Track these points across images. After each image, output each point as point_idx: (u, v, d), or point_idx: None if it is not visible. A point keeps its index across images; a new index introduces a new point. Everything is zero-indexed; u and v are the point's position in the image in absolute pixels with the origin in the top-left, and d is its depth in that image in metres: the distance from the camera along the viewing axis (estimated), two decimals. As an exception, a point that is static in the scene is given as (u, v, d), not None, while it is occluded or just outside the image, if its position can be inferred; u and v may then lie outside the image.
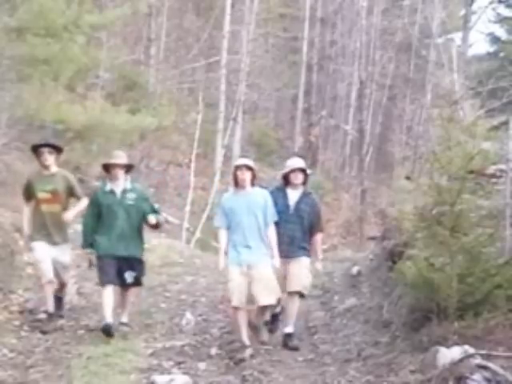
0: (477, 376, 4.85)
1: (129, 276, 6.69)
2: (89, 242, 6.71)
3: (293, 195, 6.67)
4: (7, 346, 6.45)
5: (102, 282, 6.66)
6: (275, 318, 6.89)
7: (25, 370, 5.92)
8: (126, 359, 6.20)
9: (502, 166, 7.19)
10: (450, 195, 6.02)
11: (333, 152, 27.06)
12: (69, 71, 11.07)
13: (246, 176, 6.30)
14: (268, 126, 27.00)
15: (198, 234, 16.38)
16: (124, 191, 6.72)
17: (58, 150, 7.11)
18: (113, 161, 6.73)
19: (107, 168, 6.78)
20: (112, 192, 6.70)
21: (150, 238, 12.72)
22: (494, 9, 21.72)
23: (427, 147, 18.46)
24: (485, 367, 4.91)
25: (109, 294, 6.60)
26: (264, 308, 6.35)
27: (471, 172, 6.16)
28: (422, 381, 5.19)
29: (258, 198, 6.37)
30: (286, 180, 6.73)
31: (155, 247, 12.00)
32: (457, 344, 5.34)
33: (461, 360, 5.04)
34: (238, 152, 21.01)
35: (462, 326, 5.69)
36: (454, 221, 5.98)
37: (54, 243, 6.98)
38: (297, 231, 6.61)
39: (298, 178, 6.66)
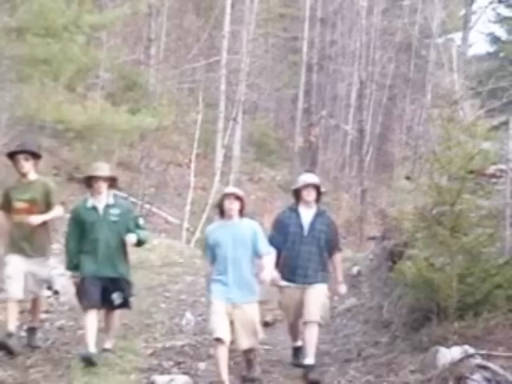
0: (477, 376, 4.86)
1: (117, 297, 6.11)
2: (74, 264, 6.14)
3: (306, 215, 6.19)
4: (7, 346, 6.44)
5: (85, 306, 6.05)
6: (297, 351, 6.42)
7: (25, 369, 5.92)
8: (126, 359, 6.22)
9: (502, 166, 7.20)
10: (450, 195, 6.02)
11: (333, 152, 27.01)
12: (69, 71, 11.07)
13: (234, 206, 5.75)
14: (268, 125, 26.96)
15: (197, 234, 16.35)
16: (107, 207, 6.14)
17: (35, 155, 6.42)
18: (94, 173, 6.12)
19: (89, 181, 6.16)
20: (94, 208, 6.12)
21: (150, 238, 12.76)
22: (494, 9, 21.75)
23: (427, 147, 18.46)
24: (485, 367, 4.91)
25: (92, 319, 6.00)
26: (247, 351, 5.79)
27: (471, 172, 6.17)
28: (422, 381, 5.19)
29: (246, 230, 5.77)
30: (298, 196, 6.27)
31: (155, 247, 12.01)
32: (457, 344, 5.35)
33: (461, 360, 5.04)
34: (238, 152, 21.01)
35: (462, 326, 5.69)
36: (454, 221, 5.99)
37: (29, 256, 6.32)
38: (313, 254, 6.13)
39: (310, 195, 6.18)
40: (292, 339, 6.47)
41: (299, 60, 25.59)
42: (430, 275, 5.97)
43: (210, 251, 5.80)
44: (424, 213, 6.41)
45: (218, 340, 5.50)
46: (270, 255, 5.81)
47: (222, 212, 5.82)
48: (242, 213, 5.84)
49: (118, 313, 6.36)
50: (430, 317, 5.94)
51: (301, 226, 6.15)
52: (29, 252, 6.34)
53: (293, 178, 23.25)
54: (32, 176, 6.41)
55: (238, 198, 5.79)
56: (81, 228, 6.11)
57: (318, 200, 6.25)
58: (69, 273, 6.31)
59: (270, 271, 5.74)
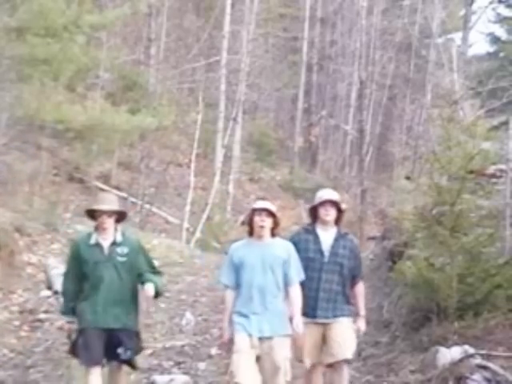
0: (477, 376, 4.86)
1: (123, 352, 5.10)
2: (70, 307, 5.16)
3: (326, 237, 5.24)
4: (7, 346, 6.47)
5: (85, 363, 5.06)
6: None
7: (25, 369, 5.93)
8: (126, 359, 6.21)
9: (502, 166, 7.21)
10: (450, 195, 6.03)
11: (333, 152, 27.06)
12: (69, 71, 11.09)
13: (266, 223, 4.88)
14: (268, 125, 26.98)
15: (197, 234, 16.37)
16: (113, 245, 5.13)
17: None
18: (99, 207, 5.11)
19: (92, 214, 5.18)
20: (98, 245, 5.11)
21: (150, 238, 12.77)
22: (494, 9, 21.74)
23: (427, 147, 18.46)
24: (485, 367, 4.92)
25: (97, 377, 5.03)
26: None
27: (471, 172, 6.17)
28: (422, 381, 5.20)
29: (279, 252, 4.92)
30: (315, 216, 5.32)
31: (155, 247, 12.01)
32: (457, 344, 5.36)
33: (461, 360, 5.05)
34: (238, 152, 21.02)
35: (462, 326, 5.70)
36: (454, 221, 6.00)
37: None
38: (335, 283, 5.16)
39: (329, 214, 5.22)
40: None
41: (299, 60, 25.62)
42: (430, 275, 5.98)
43: (234, 273, 4.92)
44: (424, 213, 6.42)
45: None
46: (296, 288, 4.92)
47: (250, 230, 4.96)
48: (274, 232, 4.98)
49: (125, 370, 5.31)
50: (430, 317, 5.95)
51: (321, 251, 5.21)
52: None
53: (293, 178, 23.44)
54: None
55: (271, 214, 4.92)
56: (80, 268, 5.14)
57: (338, 220, 5.32)
58: (64, 318, 5.30)
59: (300, 319, 4.83)
